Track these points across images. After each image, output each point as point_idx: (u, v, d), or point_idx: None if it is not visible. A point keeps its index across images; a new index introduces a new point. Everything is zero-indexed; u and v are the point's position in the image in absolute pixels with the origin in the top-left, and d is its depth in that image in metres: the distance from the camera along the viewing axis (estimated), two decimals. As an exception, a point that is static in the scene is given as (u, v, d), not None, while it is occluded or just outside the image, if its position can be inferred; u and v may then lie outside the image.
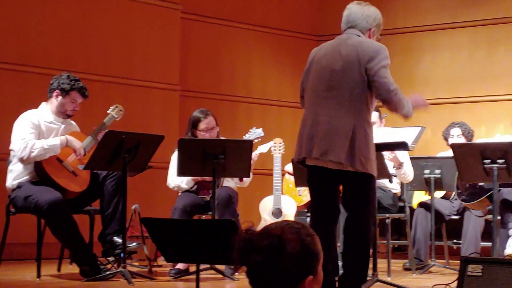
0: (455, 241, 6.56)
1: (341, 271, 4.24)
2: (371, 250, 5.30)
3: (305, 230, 2.01)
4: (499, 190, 4.89)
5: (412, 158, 5.80)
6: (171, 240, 3.86)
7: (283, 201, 6.15)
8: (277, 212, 6.15)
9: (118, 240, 5.04)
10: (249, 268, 1.99)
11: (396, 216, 5.69)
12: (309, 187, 4.10)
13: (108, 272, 4.95)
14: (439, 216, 6.00)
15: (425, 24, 7.98)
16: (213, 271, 5.09)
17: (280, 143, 6.25)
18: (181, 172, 5.13)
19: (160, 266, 5.93)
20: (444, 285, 4.13)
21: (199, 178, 5.52)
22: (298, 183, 5.64)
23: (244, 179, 5.61)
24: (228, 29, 7.83)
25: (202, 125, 5.52)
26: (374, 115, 5.67)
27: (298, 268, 1.96)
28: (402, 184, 5.79)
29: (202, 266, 4.91)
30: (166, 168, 5.73)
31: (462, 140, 6.28)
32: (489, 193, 5.05)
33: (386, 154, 5.38)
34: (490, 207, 5.43)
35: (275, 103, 7.93)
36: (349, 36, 4.01)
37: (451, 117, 7.18)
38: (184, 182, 5.55)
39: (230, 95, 7.84)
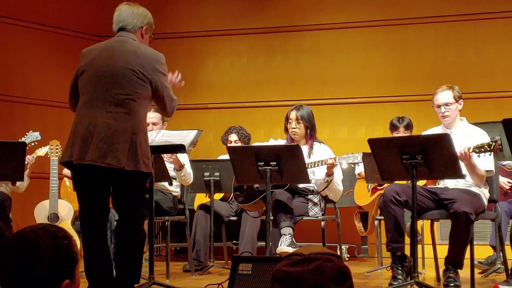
0: (234, 241, 6.76)
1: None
2: (147, 253, 5.31)
3: (62, 233, 1.95)
4: (272, 191, 5.09)
5: (192, 161, 5.90)
6: None
7: (60, 206, 5.95)
8: (53, 217, 5.95)
9: None
10: (1, 275, 1.89)
11: (176, 219, 5.74)
12: (77, 189, 4.02)
13: None
14: (218, 218, 6.15)
15: (207, 30, 8.15)
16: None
17: (57, 146, 6.06)
18: None
19: None
20: (217, 285, 4.22)
21: (-33, 183, 5.20)
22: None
23: (18, 183, 5.36)
24: (3, 26, 7.44)
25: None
26: (157, 117, 5.69)
27: (54, 273, 1.89)
28: (182, 187, 5.85)
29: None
30: None
31: (239, 144, 6.49)
32: (263, 195, 5.24)
33: (166, 156, 5.42)
34: (265, 207, 5.64)
35: (55, 104, 7.67)
36: (125, 39, 4.02)
37: (232, 121, 7.39)
38: (-50, 186, 5.20)
39: (5, 95, 7.45)
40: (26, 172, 6.13)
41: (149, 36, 4.14)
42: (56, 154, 6.02)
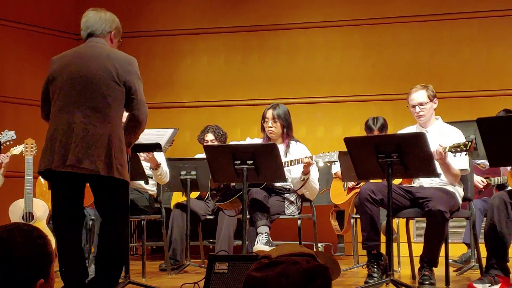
0: (210, 240, 6.75)
1: (92, 275, 4.18)
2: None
3: (37, 232, 1.94)
4: (249, 190, 5.09)
5: (169, 160, 5.88)
6: None
7: (35, 205, 5.91)
8: (28, 216, 5.90)
9: None
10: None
11: (152, 218, 5.72)
12: (53, 192, 4.00)
13: None
14: (195, 216, 6.13)
15: (184, 28, 8.13)
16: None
17: (32, 144, 6.02)
18: None
19: None
20: (193, 283, 4.22)
21: None
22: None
23: (-8, 182, 5.31)
24: (-22, 24, 7.38)
25: None
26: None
27: (29, 272, 1.88)
28: (158, 186, 5.84)
29: None
30: None
31: (216, 143, 6.48)
32: (240, 193, 5.24)
33: (143, 155, 5.40)
34: (241, 206, 5.64)
35: (30, 102, 7.61)
36: (96, 45, 4.00)
37: (209, 119, 7.39)
38: None
39: (-20, 94, 7.39)
40: (1, 171, 6.08)
41: (118, 40, 4.13)
42: (31, 153, 5.98)
